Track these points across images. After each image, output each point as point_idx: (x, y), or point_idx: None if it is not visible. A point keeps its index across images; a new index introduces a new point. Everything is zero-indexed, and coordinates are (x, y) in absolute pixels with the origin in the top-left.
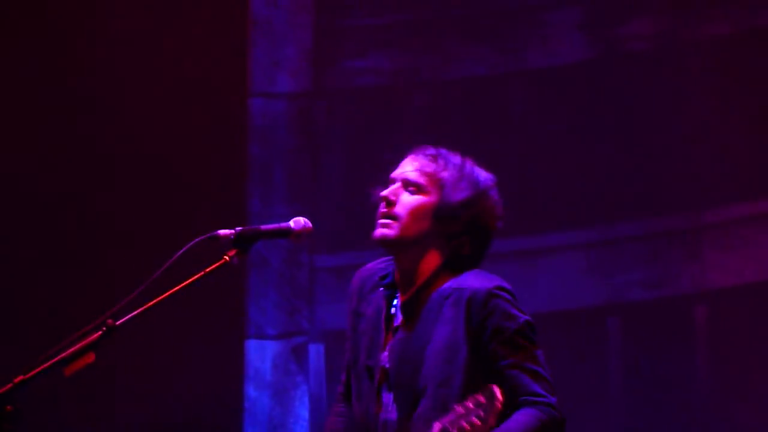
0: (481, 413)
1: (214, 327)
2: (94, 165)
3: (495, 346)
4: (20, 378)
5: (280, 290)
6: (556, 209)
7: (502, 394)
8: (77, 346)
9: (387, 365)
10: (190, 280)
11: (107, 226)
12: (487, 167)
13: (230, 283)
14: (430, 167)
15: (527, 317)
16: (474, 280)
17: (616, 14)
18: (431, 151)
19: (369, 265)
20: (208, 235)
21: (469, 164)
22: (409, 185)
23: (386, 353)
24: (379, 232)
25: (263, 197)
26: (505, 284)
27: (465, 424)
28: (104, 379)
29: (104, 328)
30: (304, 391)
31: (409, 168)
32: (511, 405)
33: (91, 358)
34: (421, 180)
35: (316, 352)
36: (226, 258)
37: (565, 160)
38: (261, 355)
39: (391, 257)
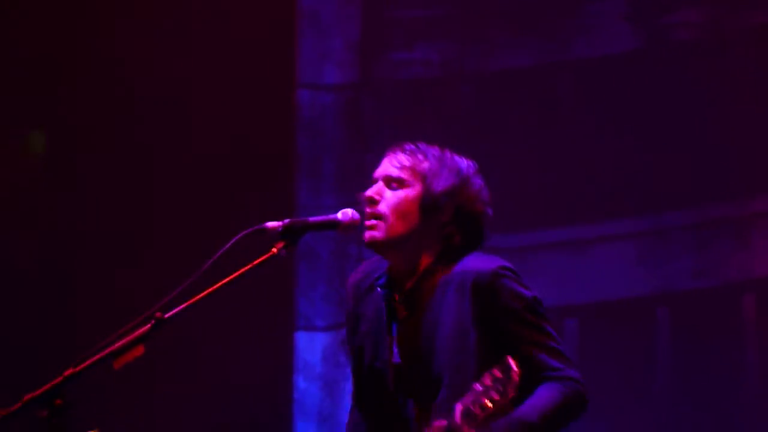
0: (500, 387)
1: (264, 319)
2: (143, 158)
3: (506, 327)
4: (70, 371)
5: (329, 282)
6: (605, 199)
7: (517, 364)
8: (126, 339)
9: (398, 361)
10: (238, 273)
11: (156, 219)
12: (533, 158)
13: (279, 275)
14: (410, 161)
15: (534, 293)
16: (476, 262)
17: (662, 3)
18: (409, 146)
19: (362, 265)
20: (256, 227)
21: (449, 154)
22: (391, 181)
23: (396, 350)
24: (368, 234)
25: (311, 189)
26: (507, 263)
27: (486, 401)
28: (154, 371)
29: (153, 321)
30: None
31: (389, 165)
32: (532, 383)
33: (140, 350)
34: (403, 174)
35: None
36: (274, 250)
37: (613, 150)
38: (310, 346)
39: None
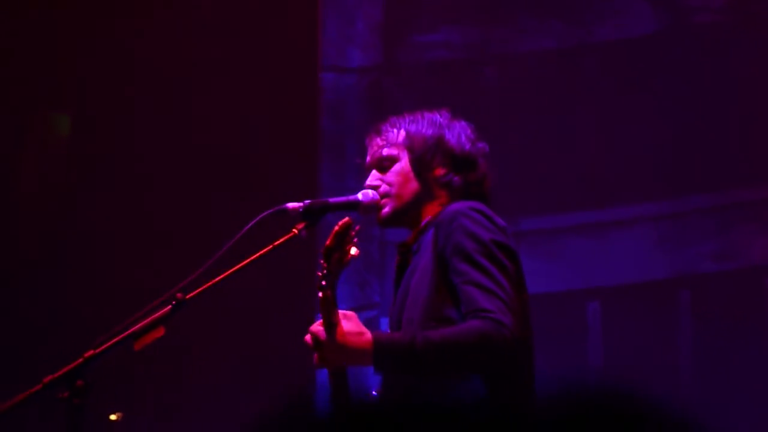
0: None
1: (288, 301)
2: (168, 140)
3: (454, 263)
4: (90, 352)
5: (351, 264)
6: (627, 182)
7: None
8: (147, 321)
9: (393, 309)
10: (259, 254)
11: (181, 200)
12: (556, 141)
13: (301, 257)
14: (387, 137)
15: (494, 236)
16: (456, 205)
17: None
18: (382, 125)
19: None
20: (277, 208)
21: (420, 114)
22: (382, 162)
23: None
24: (382, 213)
25: (335, 171)
26: (479, 206)
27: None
28: (181, 355)
29: (174, 302)
30: None
31: (372, 151)
32: (451, 321)
33: (160, 332)
34: (388, 151)
35: (387, 325)
36: (295, 231)
37: (635, 133)
38: None
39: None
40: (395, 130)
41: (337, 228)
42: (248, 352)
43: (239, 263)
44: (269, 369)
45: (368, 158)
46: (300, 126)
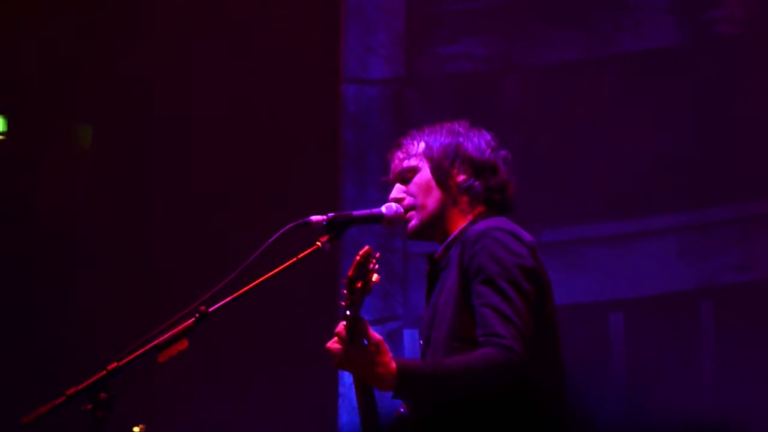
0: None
1: (310, 315)
2: (192, 152)
3: (476, 285)
4: (114, 365)
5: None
6: (649, 193)
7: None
8: (171, 333)
9: (425, 328)
10: (282, 266)
11: (205, 212)
12: (578, 152)
13: (325, 269)
14: (409, 149)
15: (517, 260)
16: (483, 224)
17: None
18: (401, 139)
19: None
20: (301, 221)
21: (438, 125)
22: (405, 175)
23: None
24: (409, 226)
25: (357, 183)
26: (506, 226)
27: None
28: (201, 367)
29: (197, 315)
30: None
31: (394, 165)
32: (475, 342)
33: (184, 344)
34: (410, 163)
35: (410, 337)
36: (319, 244)
37: (657, 144)
38: None
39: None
40: (415, 143)
41: (358, 258)
42: (272, 365)
43: (263, 276)
44: (293, 383)
45: (390, 173)
46: (322, 138)
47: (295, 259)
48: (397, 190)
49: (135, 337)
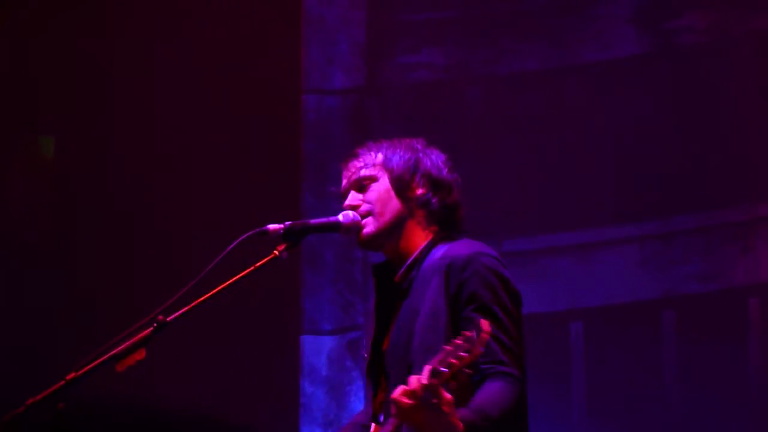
0: (468, 347)
1: (270, 323)
2: (151, 160)
3: (469, 313)
4: (72, 375)
5: (334, 285)
6: (611, 203)
7: (489, 325)
8: (129, 343)
9: (385, 348)
10: (240, 275)
11: (162, 222)
12: (539, 162)
13: (285, 279)
14: (367, 158)
15: (505, 285)
16: (460, 248)
17: (668, 7)
18: (358, 150)
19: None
20: (258, 230)
21: (396, 140)
22: (361, 182)
23: (389, 338)
24: (364, 232)
25: (318, 193)
26: (490, 251)
27: (454, 360)
28: (159, 374)
29: (155, 325)
30: (360, 386)
31: (350, 173)
32: (476, 369)
33: (142, 354)
34: (368, 172)
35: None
36: (276, 252)
37: (619, 154)
38: (316, 350)
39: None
40: (372, 153)
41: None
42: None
43: (220, 285)
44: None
45: (344, 182)
46: (282, 147)
47: (252, 267)
48: (353, 197)
49: (93, 346)
